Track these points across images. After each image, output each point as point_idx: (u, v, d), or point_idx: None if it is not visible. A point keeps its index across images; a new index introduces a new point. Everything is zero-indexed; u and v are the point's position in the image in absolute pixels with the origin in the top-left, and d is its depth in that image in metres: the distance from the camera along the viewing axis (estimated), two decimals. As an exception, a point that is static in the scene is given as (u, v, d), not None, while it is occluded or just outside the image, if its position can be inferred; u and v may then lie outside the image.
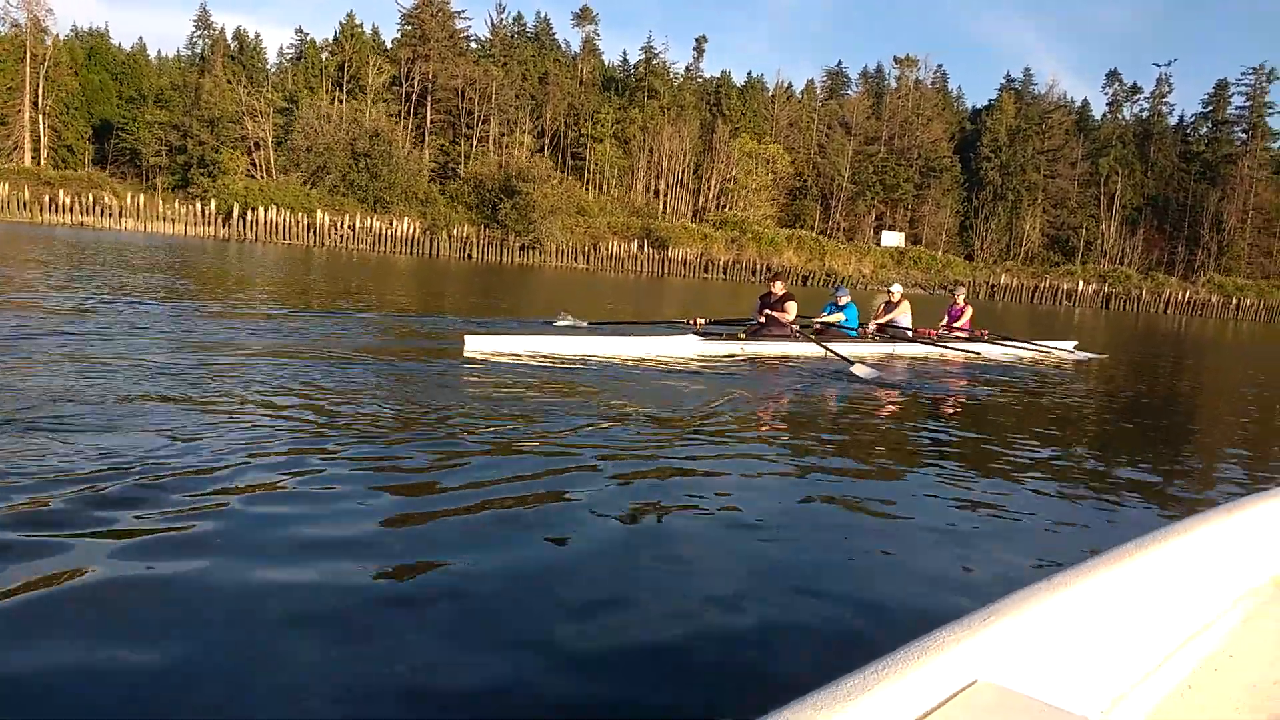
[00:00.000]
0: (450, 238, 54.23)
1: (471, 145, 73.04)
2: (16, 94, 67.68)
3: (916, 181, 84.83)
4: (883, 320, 12.28)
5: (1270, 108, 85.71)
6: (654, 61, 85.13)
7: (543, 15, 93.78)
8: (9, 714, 1.87)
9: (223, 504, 3.22)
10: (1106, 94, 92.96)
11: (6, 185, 49.72)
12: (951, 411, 7.57)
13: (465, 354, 7.97)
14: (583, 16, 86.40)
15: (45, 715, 1.92)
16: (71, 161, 69.53)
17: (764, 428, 5.95)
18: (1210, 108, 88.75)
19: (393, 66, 74.18)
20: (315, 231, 51.04)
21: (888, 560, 3.33)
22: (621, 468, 4.25)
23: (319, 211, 51.41)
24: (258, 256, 32.28)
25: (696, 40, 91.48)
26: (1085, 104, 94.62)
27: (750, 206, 73.23)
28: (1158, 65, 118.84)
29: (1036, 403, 8.23)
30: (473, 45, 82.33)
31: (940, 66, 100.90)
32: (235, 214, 49.80)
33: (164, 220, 49.56)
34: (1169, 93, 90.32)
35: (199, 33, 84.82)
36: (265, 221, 50.12)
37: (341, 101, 69.05)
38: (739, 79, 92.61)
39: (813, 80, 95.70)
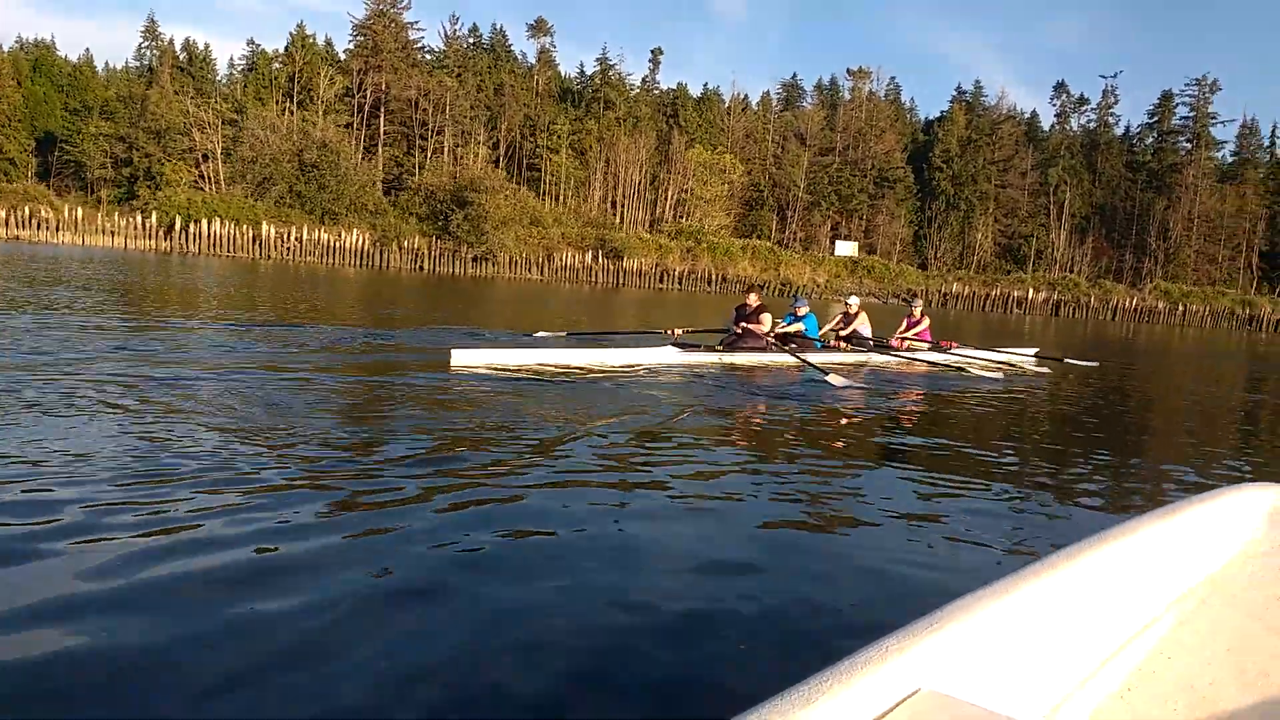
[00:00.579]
0: (401, 249, 53.09)
1: (426, 156, 71.95)
2: (-45, 107, 65.69)
3: (871, 192, 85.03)
4: (844, 332, 12.41)
5: (1213, 118, 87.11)
6: (610, 73, 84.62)
7: (498, 27, 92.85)
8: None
9: (195, 517, 3.25)
10: (1055, 105, 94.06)
11: (-61, 199, 47.93)
12: (919, 420, 7.70)
13: (452, 367, 8.07)
14: (538, 28, 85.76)
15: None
16: (14, 174, 67.36)
17: (740, 437, 6.04)
18: (1155, 118, 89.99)
19: (345, 77, 72.88)
20: (261, 244, 49.66)
21: (844, 567, 3.37)
22: (597, 475, 4.36)
23: (265, 224, 50.01)
24: (198, 270, 31.10)
25: (652, 52, 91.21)
26: (1034, 115, 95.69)
27: (706, 217, 72.79)
28: (1104, 77, 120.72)
29: (997, 410, 8.30)
30: (426, 56, 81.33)
31: (893, 79, 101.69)
32: (177, 227, 48.29)
33: (103, 233, 47.91)
34: (1115, 104, 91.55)
35: (147, 44, 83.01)
36: (209, 234, 48.65)
37: (292, 113, 67.65)
38: (695, 91, 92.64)
39: (768, 92, 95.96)
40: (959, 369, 11.35)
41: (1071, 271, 76.19)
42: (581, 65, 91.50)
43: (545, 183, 76.59)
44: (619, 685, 2.29)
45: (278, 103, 70.47)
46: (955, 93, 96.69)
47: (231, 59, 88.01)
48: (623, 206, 75.93)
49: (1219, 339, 41.17)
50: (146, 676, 2.15)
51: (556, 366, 8.64)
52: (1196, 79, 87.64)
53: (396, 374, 7.61)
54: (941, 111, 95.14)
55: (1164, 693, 1.71)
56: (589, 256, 58.59)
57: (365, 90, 72.58)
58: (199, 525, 3.17)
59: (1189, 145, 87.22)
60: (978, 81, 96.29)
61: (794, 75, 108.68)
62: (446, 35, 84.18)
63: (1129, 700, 1.68)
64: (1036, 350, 13.96)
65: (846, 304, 13.02)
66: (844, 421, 7.12)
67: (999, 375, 10.95)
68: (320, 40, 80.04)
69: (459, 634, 2.49)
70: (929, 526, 3.95)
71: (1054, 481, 5.20)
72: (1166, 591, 2.04)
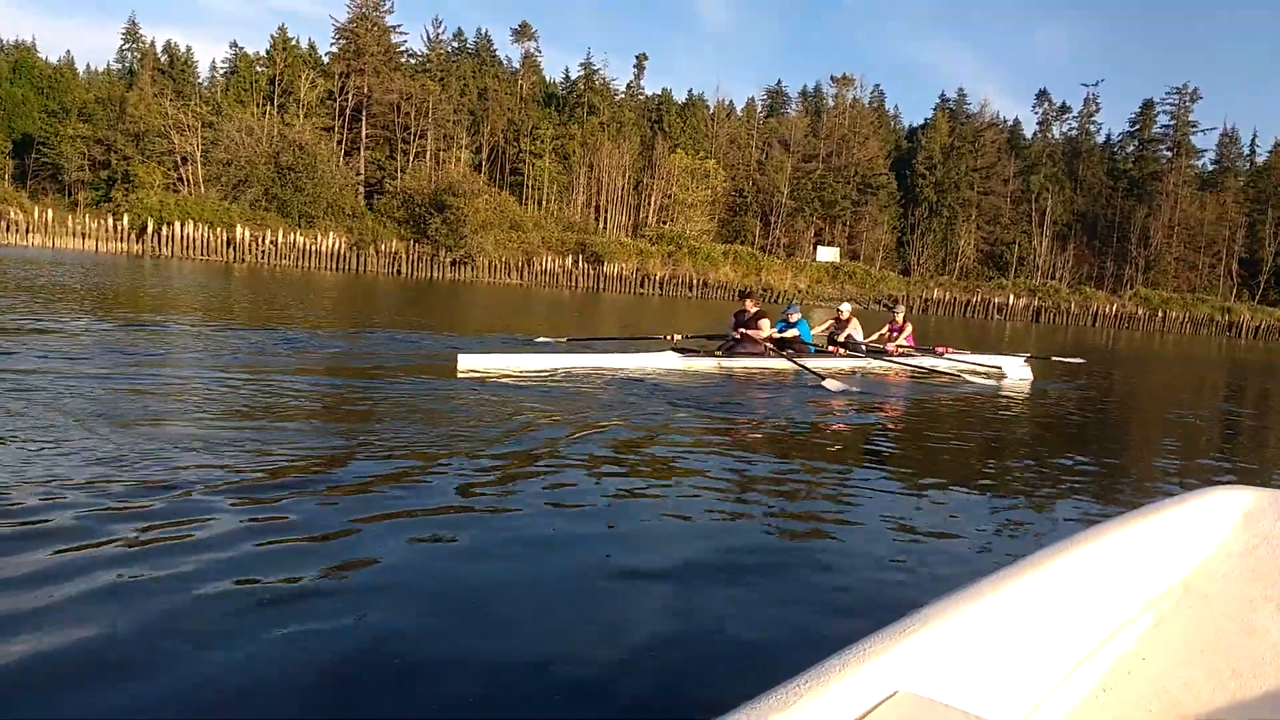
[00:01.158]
0: (378, 253, 52.19)
1: (408, 160, 71.06)
2: (-70, 107, 64.53)
3: (854, 198, 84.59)
4: (840, 337, 12.61)
5: (1193, 126, 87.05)
6: (594, 78, 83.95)
7: (483, 31, 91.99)
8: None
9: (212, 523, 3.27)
10: (1037, 113, 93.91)
11: (-94, 200, 46.86)
12: (909, 424, 7.76)
13: (459, 372, 8.18)
14: (522, 33, 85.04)
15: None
16: (-10, 176, 66.32)
17: (737, 441, 6.05)
18: (1136, 126, 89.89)
19: (326, 80, 71.94)
20: (235, 247, 48.67)
21: (830, 568, 3.38)
22: (594, 478, 4.45)
23: (239, 226, 49.04)
24: (169, 273, 30.27)
25: (637, 58, 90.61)
26: (1016, 123, 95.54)
27: (688, 221, 72.12)
28: (1086, 85, 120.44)
29: (985, 414, 8.36)
30: (409, 60, 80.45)
31: (878, 86, 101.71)
32: (149, 229, 47.28)
33: (74, 236, 46.85)
34: (1096, 112, 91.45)
35: (128, 46, 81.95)
36: (182, 237, 47.65)
37: (271, 115, 66.69)
38: (680, 97, 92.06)
39: (753, 98, 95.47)
40: (950, 373, 11.58)
41: (1053, 278, 75.84)
42: (567, 70, 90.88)
43: (528, 187, 75.85)
44: (599, 686, 2.29)
45: (259, 105, 69.49)
46: (939, 100, 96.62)
47: (214, 62, 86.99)
48: (606, 211, 75.23)
49: (1198, 345, 40.80)
50: (136, 677, 2.17)
51: (559, 371, 8.77)
52: (1177, 88, 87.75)
53: (403, 377, 7.64)
54: (925, 119, 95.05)
55: (1139, 693, 1.74)
56: (569, 261, 57.80)
57: (347, 93, 71.63)
58: (191, 528, 3.20)
59: (1170, 153, 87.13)
60: (961, 90, 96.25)
61: (779, 82, 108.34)
62: (429, 39, 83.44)
63: (1105, 701, 1.71)
64: (1027, 355, 13.94)
65: (839, 310, 13.16)
66: (838, 425, 7.23)
67: (989, 380, 11.24)
68: (304, 43, 79.26)
69: (454, 632, 2.54)
70: (915, 528, 4.01)
71: (1037, 484, 5.28)
72: (1142, 593, 2.04)
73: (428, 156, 71.57)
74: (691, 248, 62.80)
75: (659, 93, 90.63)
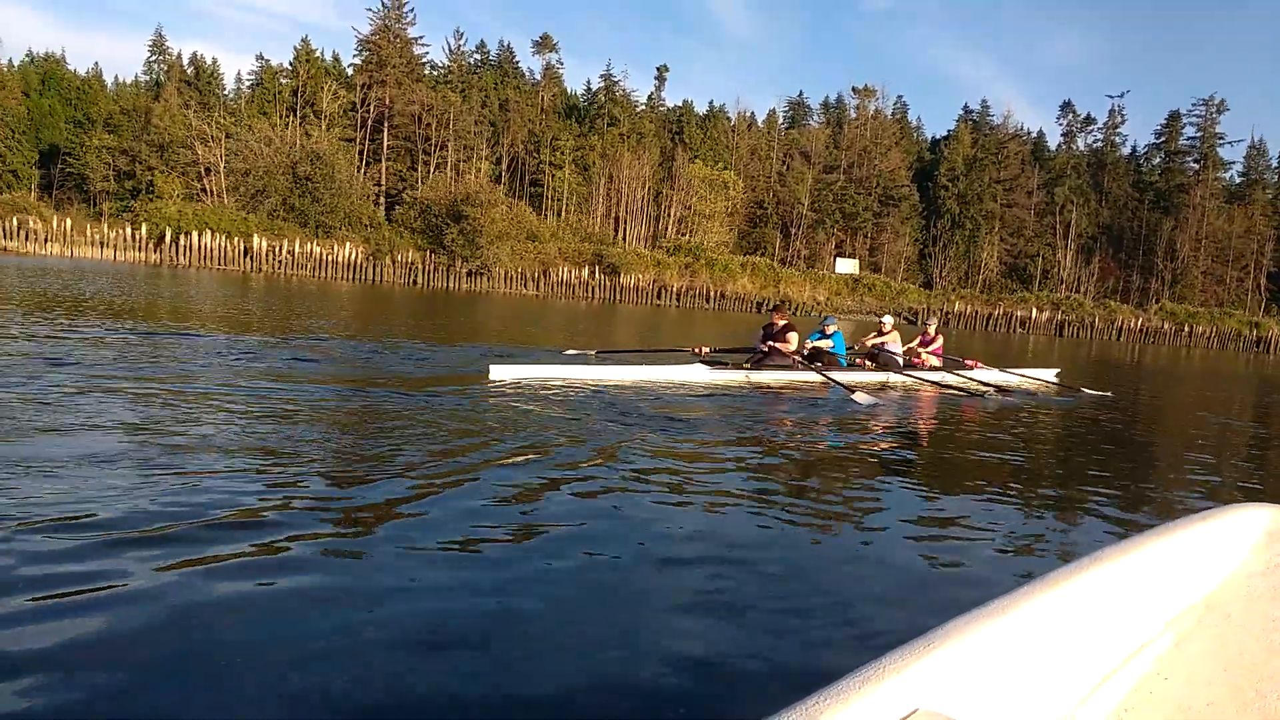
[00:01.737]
0: (394, 264, 51.90)
1: (429, 171, 70.95)
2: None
3: (875, 210, 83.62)
4: (873, 343, 12.63)
5: (1220, 138, 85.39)
6: (614, 89, 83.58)
7: (505, 43, 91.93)
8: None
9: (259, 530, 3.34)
10: (1061, 125, 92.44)
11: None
12: (936, 439, 7.68)
13: (490, 380, 8.29)
14: (543, 44, 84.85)
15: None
16: (17, 186, 66.73)
17: (764, 454, 5.99)
18: (1163, 138, 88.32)
19: (348, 92, 72.05)
20: (252, 257, 48.54)
21: (851, 583, 3.38)
22: (622, 488, 4.47)
23: (256, 236, 48.90)
24: (186, 283, 30.02)
25: (658, 69, 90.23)
26: (1040, 134, 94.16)
27: (705, 233, 71.47)
28: (1111, 96, 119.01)
29: (1012, 430, 8.24)
30: (431, 71, 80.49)
31: (900, 97, 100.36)
32: (167, 239, 47.23)
33: (92, 245, 46.91)
34: (1122, 123, 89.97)
35: (154, 58, 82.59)
36: (199, 247, 47.57)
37: (291, 126, 66.79)
38: (701, 108, 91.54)
39: (774, 109, 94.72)
40: (981, 389, 11.42)
41: (1078, 291, 74.46)
42: (588, 82, 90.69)
43: (548, 198, 75.55)
44: (618, 700, 2.29)
45: (281, 117, 69.68)
46: (962, 112, 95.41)
47: (239, 74, 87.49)
48: (625, 223, 74.75)
49: (1225, 361, 39.58)
50: (162, 675, 2.23)
51: (589, 383, 8.73)
52: (1204, 99, 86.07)
53: (437, 387, 7.68)
54: (948, 130, 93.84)
55: (1161, 713, 1.70)
56: (585, 272, 57.29)
57: (369, 105, 71.72)
58: (224, 530, 3.29)
59: (1196, 165, 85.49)
60: (984, 101, 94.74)
61: (800, 93, 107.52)
62: (451, 50, 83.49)
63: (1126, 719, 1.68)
64: (1058, 371, 14.06)
65: (881, 323, 13.16)
66: (865, 440, 7.16)
67: (1019, 395, 11.23)
68: (328, 56, 79.53)
69: (480, 632, 2.59)
70: (936, 545, 3.99)
71: (1060, 501, 5.23)
72: (1163, 611, 2.01)
73: (448, 167, 71.47)
74: (709, 259, 62.13)
75: (680, 104, 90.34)
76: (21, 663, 2.21)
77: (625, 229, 74.09)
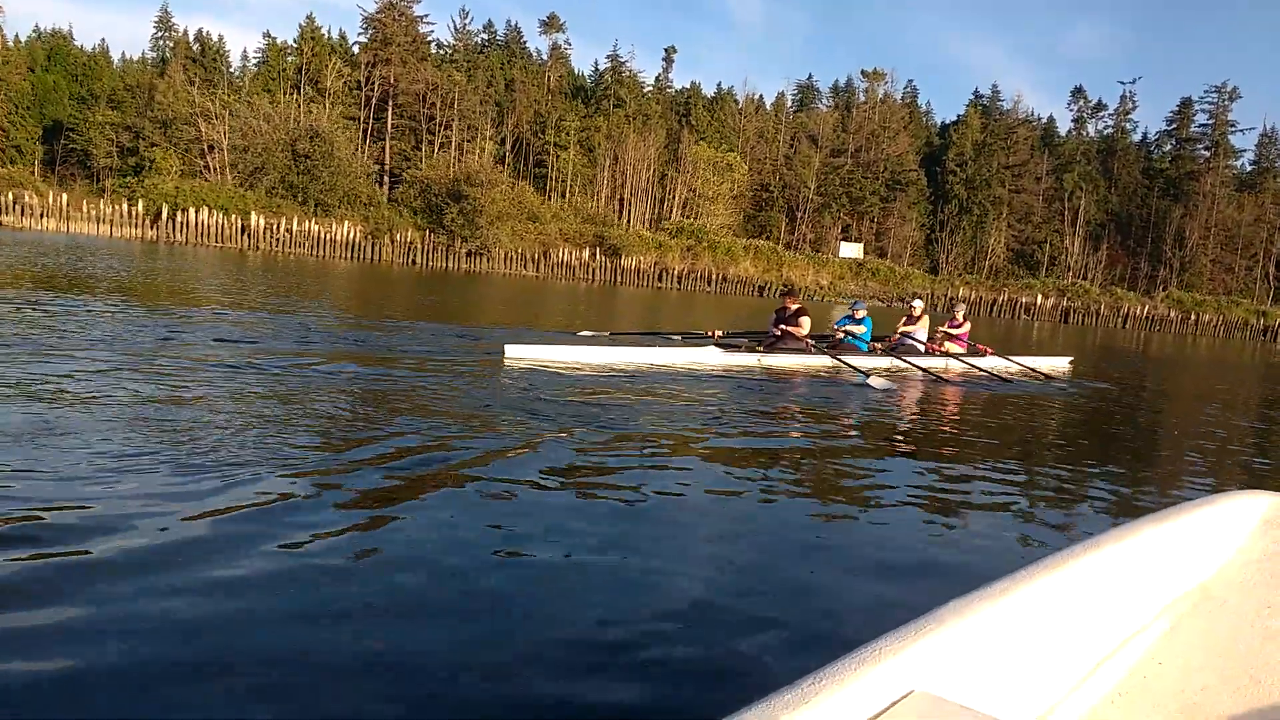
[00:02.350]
0: (393, 243, 51.16)
1: (434, 150, 70.08)
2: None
3: (882, 194, 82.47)
4: (906, 330, 12.46)
5: (1232, 126, 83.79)
6: (620, 70, 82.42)
7: (513, 23, 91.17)
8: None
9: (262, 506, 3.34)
10: (1072, 110, 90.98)
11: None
12: (945, 424, 7.65)
13: (505, 361, 8.34)
14: (550, 24, 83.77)
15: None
16: (21, 161, 66.17)
17: (774, 437, 6.08)
18: (1174, 125, 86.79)
19: (353, 70, 71.12)
20: (250, 234, 47.86)
21: (850, 565, 3.39)
22: (632, 467, 4.53)
23: (254, 213, 48.21)
24: (181, 259, 29.39)
25: (666, 51, 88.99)
26: (1051, 120, 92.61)
27: (709, 216, 70.48)
28: (1122, 83, 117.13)
29: (1022, 416, 8.29)
30: (437, 50, 79.46)
31: (910, 82, 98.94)
32: (164, 215, 46.58)
33: (89, 221, 46.22)
34: (1133, 110, 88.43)
35: (160, 34, 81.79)
36: (197, 223, 46.90)
37: (300, 104, 66.00)
38: (709, 90, 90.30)
39: (782, 93, 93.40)
40: (994, 376, 11.36)
41: (1085, 278, 73.28)
42: (595, 63, 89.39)
43: (552, 179, 74.65)
44: (616, 677, 2.30)
45: (286, 94, 68.88)
46: (972, 96, 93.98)
47: (245, 51, 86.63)
48: (630, 205, 73.83)
49: (1231, 350, 38.68)
50: (160, 676, 2.15)
51: (605, 365, 8.78)
52: (1216, 86, 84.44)
53: (455, 366, 7.77)
54: (957, 115, 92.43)
55: (1156, 698, 1.71)
56: (586, 254, 56.48)
57: (373, 83, 70.83)
58: (232, 513, 3.23)
59: (1207, 153, 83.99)
60: (995, 86, 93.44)
61: (809, 77, 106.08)
62: (456, 29, 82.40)
63: (1120, 705, 1.68)
64: (1070, 359, 14.19)
65: (911, 306, 13.06)
66: (875, 422, 7.21)
67: (1032, 382, 11.31)
68: (334, 34, 78.63)
69: (488, 621, 2.58)
70: (938, 528, 4.00)
71: (1063, 486, 5.23)
72: (1159, 597, 2.01)
73: (452, 147, 70.59)
74: (711, 242, 61.20)
75: (687, 86, 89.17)
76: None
77: (629, 211, 73.19)
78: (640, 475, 4.38)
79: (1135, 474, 6.08)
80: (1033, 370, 12.41)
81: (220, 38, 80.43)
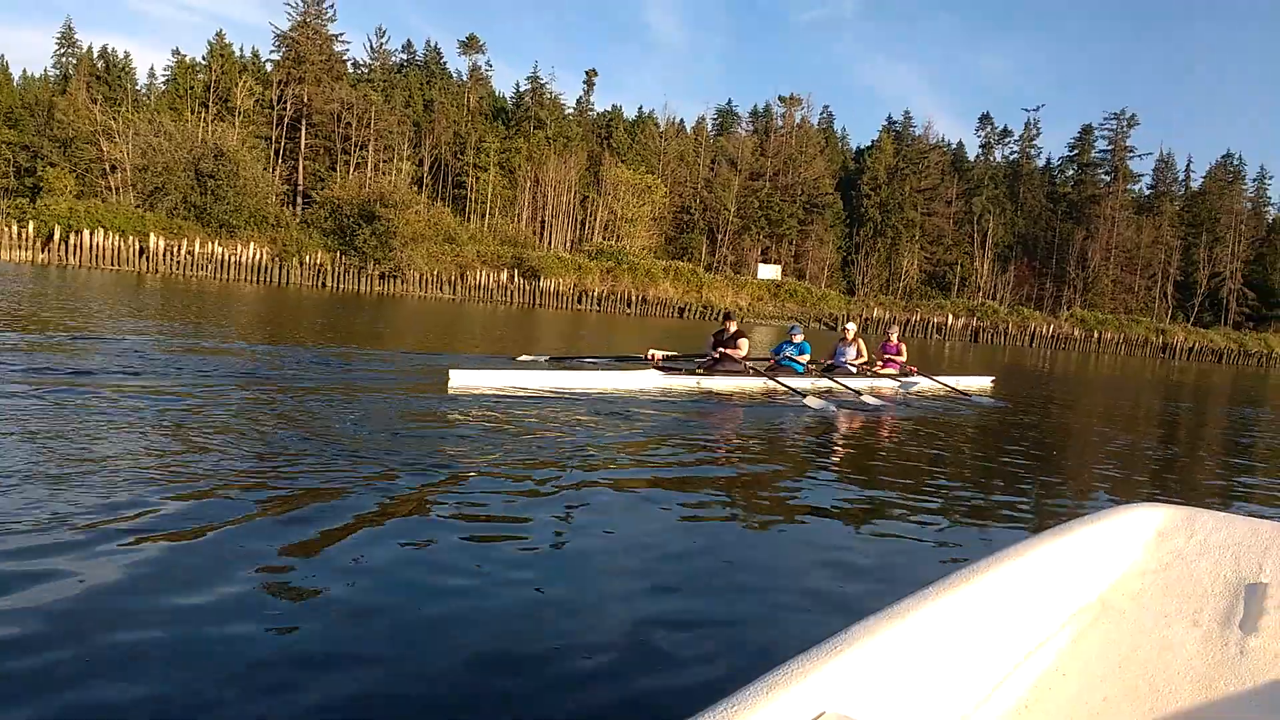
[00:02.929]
0: (302, 265, 49.32)
1: (349, 171, 68.23)
2: None
3: (800, 217, 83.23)
4: (842, 357, 12.74)
5: (1131, 152, 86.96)
6: (541, 92, 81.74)
7: (433, 43, 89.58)
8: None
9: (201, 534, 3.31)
10: (979, 136, 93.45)
11: None
12: (880, 444, 7.74)
13: (450, 389, 8.16)
14: (469, 45, 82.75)
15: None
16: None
17: (710, 457, 6.09)
18: (1076, 151, 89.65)
19: (265, 89, 68.98)
20: (149, 257, 45.55)
21: (778, 584, 3.46)
22: (575, 490, 4.56)
23: (153, 235, 45.94)
24: (72, 283, 27.34)
25: (587, 74, 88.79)
26: (960, 145, 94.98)
27: (629, 238, 70.03)
28: (1026, 110, 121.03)
29: (950, 435, 8.46)
30: (353, 70, 77.65)
31: (826, 107, 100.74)
32: (56, 237, 44.07)
33: (-27, 243, 43.51)
34: (1037, 136, 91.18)
35: (63, 50, 78.33)
36: (91, 245, 44.45)
37: (207, 123, 63.62)
38: (630, 113, 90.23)
39: (703, 116, 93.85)
40: (922, 395, 11.88)
41: (994, 298, 74.82)
42: (517, 84, 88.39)
43: (471, 201, 73.41)
44: (535, 705, 2.29)
45: (193, 112, 66.37)
46: (885, 122, 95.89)
47: (152, 68, 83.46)
48: (551, 227, 72.97)
49: (1132, 367, 39.46)
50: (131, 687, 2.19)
51: (547, 389, 8.78)
52: (1115, 113, 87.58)
53: (399, 393, 7.70)
54: (871, 140, 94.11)
55: (1060, 709, 1.74)
56: (505, 276, 55.36)
57: (286, 102, 68.80)
58: (180, 538, 3.22)
59: (1107, 177, 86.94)
60: (907, 112, 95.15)
61: (729, 101, 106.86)
62: (372, 48, 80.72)
63: (1027, 717, 1.71)
64: (993, 379, 14.80)
65: (845, 329, 13.32)
66: (807, 444, 7.30)
67: (958, 401, 11.65)
68: (248, 52, 76.21)
69: (411, 643, 2.56)
70: (851, 547, 4.05)
71: (975, 502, 5.32)
72: (1062, 609, 2.03)
73: (368, 167, 68.88)
74: (631, 264, 60.67)
75: (609, 109, 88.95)
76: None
77: (551, 233, 72.33)
78: (573, 503, 4.34)
79: (1045, 489, 6.14)
80: (958, 390, 12.70)
81: (127, 54, 77.20)
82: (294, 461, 4.60)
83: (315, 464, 4.58)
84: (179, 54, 72.67)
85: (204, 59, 70.88)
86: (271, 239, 49.94)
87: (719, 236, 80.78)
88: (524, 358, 11.64)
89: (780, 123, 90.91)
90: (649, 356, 11.40)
